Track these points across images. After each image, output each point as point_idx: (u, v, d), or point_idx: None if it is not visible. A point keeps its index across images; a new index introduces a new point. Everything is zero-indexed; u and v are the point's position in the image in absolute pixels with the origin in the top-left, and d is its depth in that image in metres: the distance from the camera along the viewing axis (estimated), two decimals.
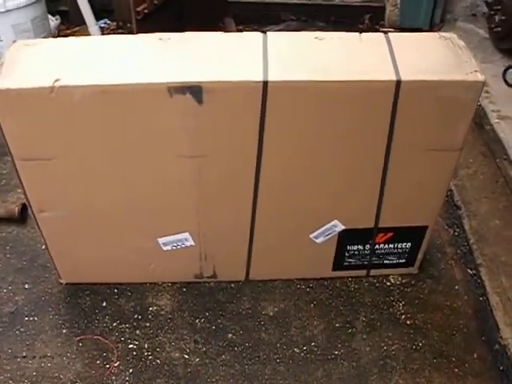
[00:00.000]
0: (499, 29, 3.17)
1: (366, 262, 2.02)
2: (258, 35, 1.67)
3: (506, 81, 2.94)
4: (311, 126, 1.61)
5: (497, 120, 2.69)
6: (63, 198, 1.75)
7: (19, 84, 1.50)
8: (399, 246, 1.97)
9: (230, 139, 1.63)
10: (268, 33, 1.68)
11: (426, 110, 1.60)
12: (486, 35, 3.39)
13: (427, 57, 1.63)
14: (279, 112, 1.57)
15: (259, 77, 1.51)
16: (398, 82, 1.53)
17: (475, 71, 1.57)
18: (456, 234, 2.28)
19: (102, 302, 1.98)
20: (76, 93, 1.51)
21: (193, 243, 1.88)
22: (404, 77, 1.54)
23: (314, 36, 1.68)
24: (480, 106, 2.77)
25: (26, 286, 2.04)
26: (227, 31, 1.71)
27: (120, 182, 1.72)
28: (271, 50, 1.61)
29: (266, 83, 1.51)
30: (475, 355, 1.85)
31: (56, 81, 1.49)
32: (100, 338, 1.87)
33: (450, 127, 1.65)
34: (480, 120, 2.74)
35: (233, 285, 2.04)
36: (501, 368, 1.81)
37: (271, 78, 1.51)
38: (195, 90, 1.51)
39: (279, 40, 1.67)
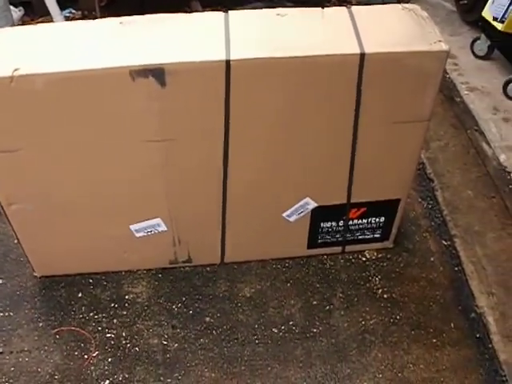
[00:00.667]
0: (465, 1, 3.19)
1: (340, 239, 2.02)
2: (219, 14, 1.65)
3: (473, 52, 2.95)
4: (277, 103, 1.60)
5: (466, 92, 2.71)
6: (31, 189, 1.73)
7: None
8: (373, 220, 1.98)
9: (196, 121, 1.61)
10: (230, 12, 1.66)
11: (391, 82, 1.60)
12: (453, 8, 3.40)
13: (391, 29, 1.62)
14: (244, 91, 1.55)
15: (222, 56, 1.50)
16: (362, 55, 1.52)
17: (439, 41, 1.57)
18: (430, 206, 2.29)
19: (78, 293, 1.96)
20: (37, 81, 1.48)
21: (165, 228, 1.87)
22: (368, 49, 1.53)
23: (275, 13, 1.66)
24: (449, 78, 2.78)
25: (0, 282, 2.01)
26: None
27: (88, 169, 1.69)
28: (233, 29, 1.59)
29: (228, 62, 1.49)
30: (452, 325, 1.87)
31: (15, 70, 1.46)
32: (77, 329, 1.86)
33: (417, 98, 1.64)
34: (449, 92, 2.75)
35: (208, 268, 2.03)
36: (477, 336, 1.83)
37: (233, 56, 1.50)
38: (157, 73, 1.49)
39: (241, 18, 1.65)
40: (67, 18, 3.53)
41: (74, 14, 3.61)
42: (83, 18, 3.54)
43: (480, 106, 2.60)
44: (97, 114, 1.57)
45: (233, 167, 1.72)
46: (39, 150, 1.63)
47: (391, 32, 1.61)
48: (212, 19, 1.65)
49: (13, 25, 3.18)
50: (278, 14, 1.65)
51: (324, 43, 1.56)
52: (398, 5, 1.73)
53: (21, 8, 3.49)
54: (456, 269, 2.03)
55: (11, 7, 3.26)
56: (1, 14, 3.01)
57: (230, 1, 3.38)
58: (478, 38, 2.94)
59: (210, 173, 1.74)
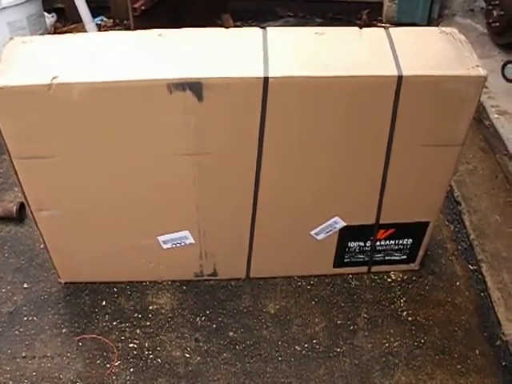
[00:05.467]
0: (497, 24, 3.17)
1: (367, 259, 2.01)
2: (257, 31, 1.66)
3: (504, 76, 2.93)
4: (312, 121, 1.60)
5: (496, 115, 2.69)
6: (62, 196, 1.74)
7: (17, 81, 1.48)
8: (400, 242, 1.96)
9: (231, 136, 1.62)
10: (268, 28, 1.66)
11: (427, 105, 1.59)
12: (484, 30, 3.39)
13: (428, 51, 1.62)
14: (280, 108, 1.55)
15: (260, 73, 1.50)
16: (400, 77, 1.52)
17: (477, 66, 1.56)
18: (457, 229, 2.27)
19: (102, 301, 1.97)
20: (74, 90, 1.49)
21: (193, 241, 1.87)
22: (405, 72, 1.52)
23: (314, 31, 1.66)
24: (479, 101, 2.76)
25: (25, 286, 2.02)
26: (225, 27, 1.69)
27: (119, 179, 1.70)
28: (271, 46, 1.59)
29: (266, 79, 1.49)
30: (477, 351, 1.84)
31: (54, 78, 1.47)
32: (100, 337, 1.86)
33: (452, 122, 1.64)
34: (479, 115, 2.73)
35: (233, 283, 2.03)
36: (503, 363, 1.80)
37: (272, 73, 1.50)
38: (195, 87, 1.49)
39: (279, 35, 1.65)
40: (99, 26, 3.57)
41: (105, 21, 3.66)
42: (115, 26, 3.59)
43: (510, 130, 2.57)
44: (132, 126, 1.58)
45: (264, 183, 1.72)
46: (72, 158, 1.64)
47: (429, 55, 1.60)
48: (250, 35, 1.65)
49: (46, 30, 3.23)
50: (317, 33, 1.65)
51: (362, 64, 1.55)
52: (436, 28, 1.73)
53: (53, 14, 3.55)
54: (482, 294, 2.00)
55: (45, 13, 3.31)
56: (35, 19, 3.06)
57: (262, 16, 3.41)
58: (509, 62, 2.91)
59: (241, 188, 1.74)
